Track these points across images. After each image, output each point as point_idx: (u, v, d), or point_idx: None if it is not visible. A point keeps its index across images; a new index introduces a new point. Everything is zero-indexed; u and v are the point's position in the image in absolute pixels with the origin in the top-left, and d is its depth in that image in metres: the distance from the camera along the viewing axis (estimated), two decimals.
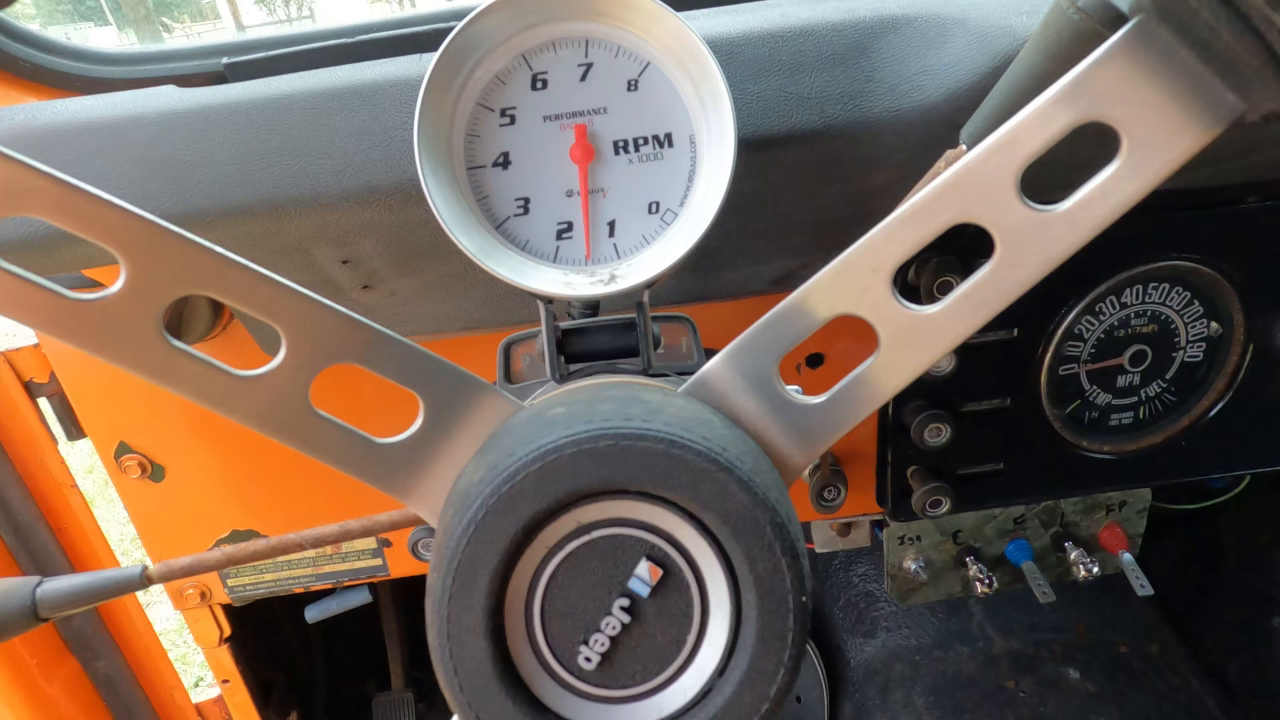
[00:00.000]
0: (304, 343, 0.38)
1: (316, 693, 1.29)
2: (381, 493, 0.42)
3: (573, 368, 0.52)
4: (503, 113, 0.50)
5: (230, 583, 0.97)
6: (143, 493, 0.90)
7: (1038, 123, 0.34)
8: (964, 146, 0.50)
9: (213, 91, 0.59)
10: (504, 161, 0.50)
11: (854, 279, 0.38)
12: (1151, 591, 0.99)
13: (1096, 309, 0.83)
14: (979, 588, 1.03)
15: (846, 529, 1.08)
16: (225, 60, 0.73)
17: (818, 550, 1.12)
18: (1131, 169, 0.34)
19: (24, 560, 0.93)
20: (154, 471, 0.89)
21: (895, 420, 0.87)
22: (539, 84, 0.49)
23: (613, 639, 0.37)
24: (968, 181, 0.36)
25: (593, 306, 0.56)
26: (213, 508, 0.92)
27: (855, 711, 1.36)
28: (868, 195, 0.65)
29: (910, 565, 1.05)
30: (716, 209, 0.47)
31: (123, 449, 0.87)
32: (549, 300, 0.50)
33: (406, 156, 0.58)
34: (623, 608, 0.37)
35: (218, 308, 0.81)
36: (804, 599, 0.36)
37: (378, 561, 0.97)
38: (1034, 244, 0.36)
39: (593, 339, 0.52)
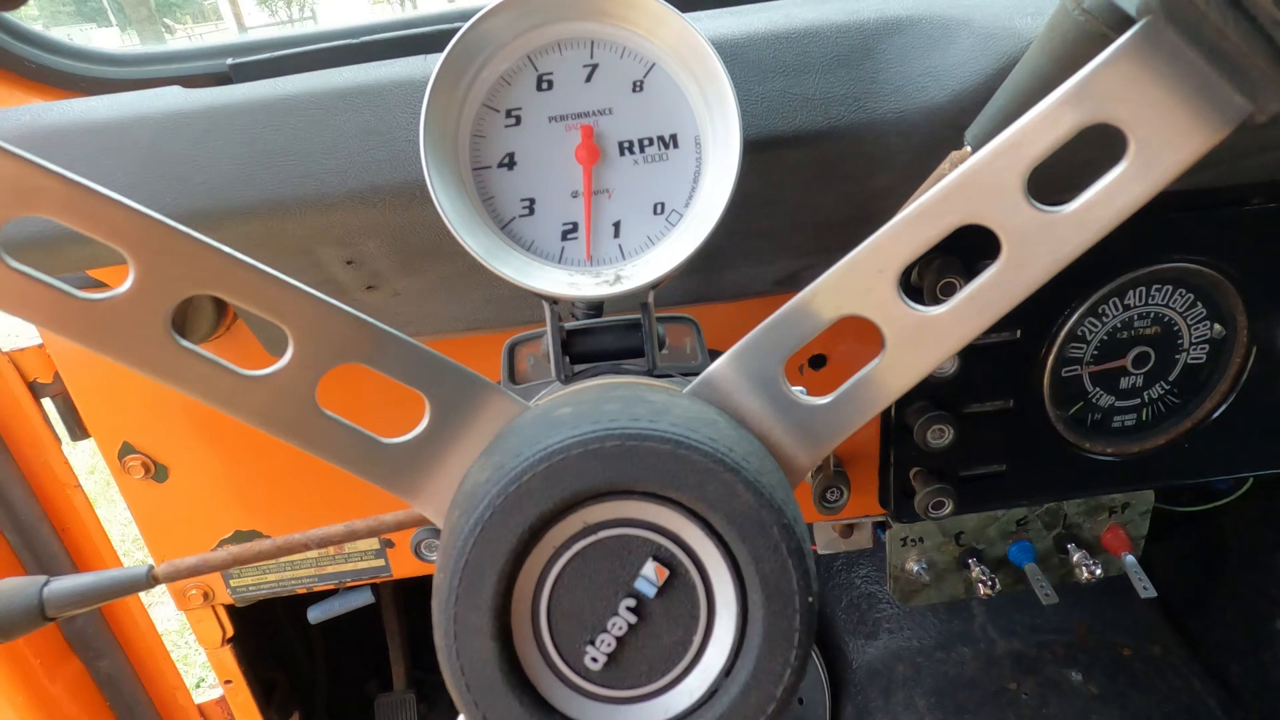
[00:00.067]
0: (311, 343, 0.38)
1: (318, 693, 1.29)
2: (385, 493, 0.42)
3: (577, 368, 0.52)
4: (508, 113, 0.50)
5: (233, 583, 0.97)
6: (146, 493, 0.90)
7: (1044, 124, 0.34)
8: (969, 148, 0.50)
9: (217, 92, 0.60)
10: (509, 162, 0.50)
11: (860, 280, 0.38)
12: (1154, 593, 0.99)
13: (1100, 311, 0.83)
14: (981, 589, 1.03)
15: (849, 530, 1.09)
16: (230, 61, 0.73)
17: (820, 552, 1.12)
18: (1138, 171, 0.34)
19: (27, 560, 0.93)
20: (157, 472, 0.89)
21: (898, 421, 0.87)
22: (544, 85, 0.49)
23: (619, 639, 0.38)
24: (974, 183, 0.36)
25: (597, 307, 0.56)
26: (216, 508, 0.92)
27: (857, 713, 1.36)
28: (872, 196, 0.65)
29: (913, 567, 1.05)
30: (722, 210, 0.48)
31: (126, 449, 0.87)
32: (554, 301, 0.50)
33: (411, 157, 0.58)
34: (629, 608, 0.37)
35: (221, 309, 0.81)
36: (810, 599, 0.36)
37: (380, 562, 0.97)
38: (1040, 245, 0.36)
39: (598, 339, 0.52)
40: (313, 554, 0.96)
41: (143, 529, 0.92)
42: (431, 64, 0.60)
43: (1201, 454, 0.90)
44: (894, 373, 0.40)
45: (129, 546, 2.65)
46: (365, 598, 1.07)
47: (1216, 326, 0.85)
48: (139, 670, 1.05)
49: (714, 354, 0.45)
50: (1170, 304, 0.84)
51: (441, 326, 0.79)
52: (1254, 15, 0.29)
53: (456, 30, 0.47)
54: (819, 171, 0.62)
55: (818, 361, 0.88)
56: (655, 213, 0.51)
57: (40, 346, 0.86)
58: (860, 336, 0.86)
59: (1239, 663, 1.31)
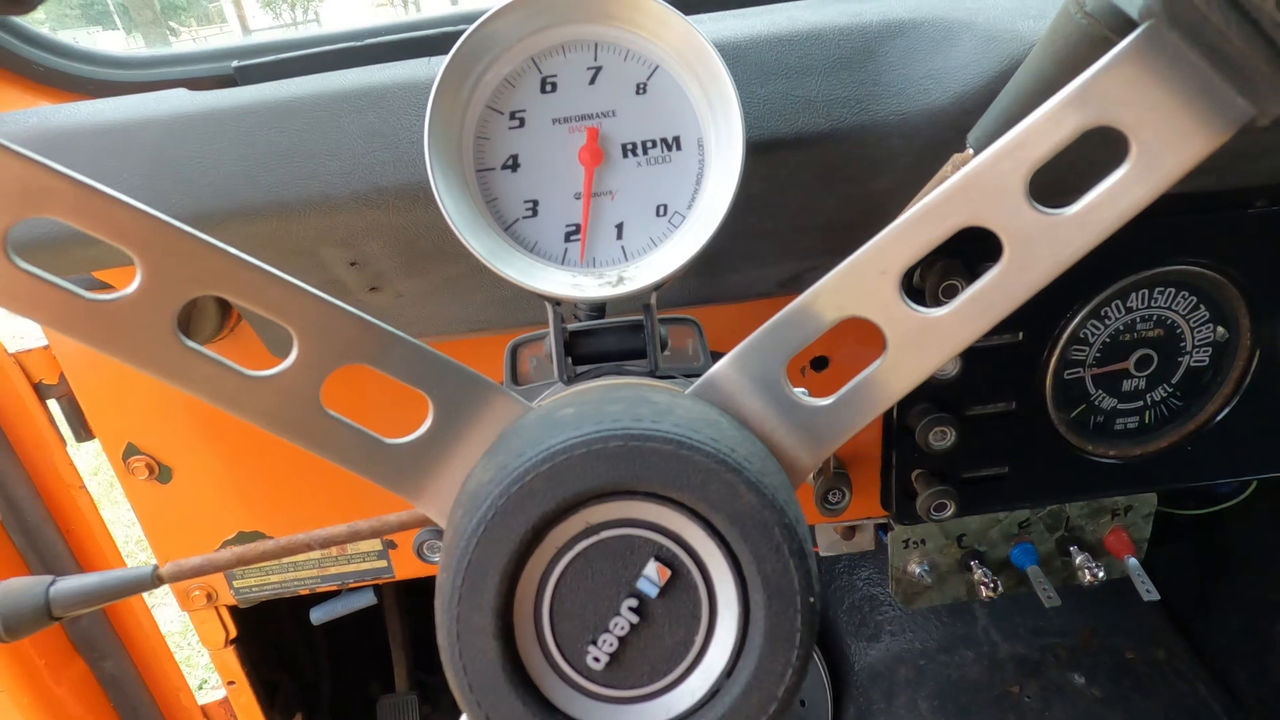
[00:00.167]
0: (315, 343, 0.38)
1: (321, 695, 1.30)
2: (388, 494, 0.42)
3: (580, 369, 0.52)
4: (512, 115, 0.50)
5: (236, 584, 0.97)
6: (150, 494, 0.90)
7: (1047, 126, 0.34)
8: (971, 150, 0.50)
9: (222, 94, 0.60)
10: (513, 164, 0.50)
11: (862, 281, 0.39)
12: (1158, 596, 0.99)
13: (1102, 313, 0.83)
14: (984, 592, 1.03)
15: (851, 532, 1.08)
16: (235, 63, 0.73)
17: (822, 553, 1.11)
18: (1140, 173, 0.34)
19: (32, 560, 0.93)
20: (161, 473, 0.89)
21: (900, 423, 0.87)
22: (548, 87, 0.50)
23: (621, 639, 0.38)
24: (977, 184, 0.36)
25: (599, 308, 0.57)
26: (219, 509, 0.92)
27: (859, 715, 1.35)
28: (874, 199, 0.65)
29: (915, 569, 1.05)
30: (724, 212, 0.48)
31: (130, 450, 0.88)
32: (557, 302, 0.51)
33: (414, 158, 0.58)
34: (631, 608, 0.37)
35: (225, 310, 0.81)
36: (812, 600, 0.36)
37: (383, 563, 0.97)
38: (1042, 247, 0.36)
39: (600, 341, 0.52)
40: (315, 555, 0.97)
41: (146, 530, 0.92)
42: (435, 66, 0.60)
43: (1204, 457, 0.90)
44: (896, 374, 0.40)
45: (132, 548, 2.65)
46: (368, 599, 1.07)
47: (1219, 329, 0.85)
48: (143, 671, 1.06)
49: (716, 355, 0.45)
50: (1173, 307, 0.83)
51: (444, 328, 0.80)
52: (1256, 18, 0.29)
53: (460, 33, 0.47)
54: (821, 174, 0.62)
55: (820, 363, 0.89)
56: (658, 214, 0.51)
57: (46, 348, 0.86)
58: (862, 339, 0.86)
59: (1243, 667, 1.30)
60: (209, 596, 0.97)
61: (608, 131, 0.50)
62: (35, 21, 0.76)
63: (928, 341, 0.39)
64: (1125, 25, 0.35)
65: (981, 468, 0.88)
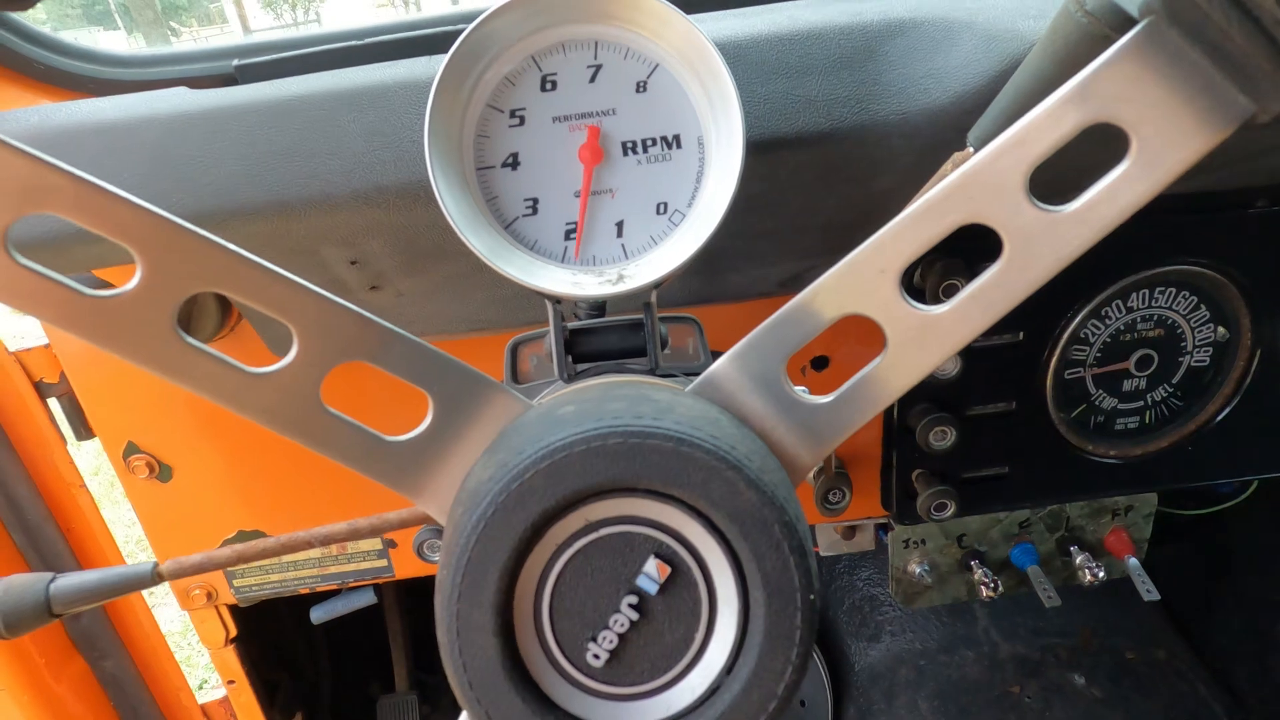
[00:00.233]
0: (316, 340, 0.38)
1: (321, 694, 1.30)
2: (387, 493, 0.42)
3: (580, 368, 0.52)
4: (512, 114, 0.50)
5: (236, 583, 0.97)
6: (150, 493, 0.90)
7: (1047, 123, 0.35)
8: (971, 149, 0.50)
9: (223, 93, 0.60)
10: (513, 162, 0.50)
11: (862, 279, 0.39)
12: (1158, 597, 0.99)
13: (1103, 313, 0.83)
14: (984, 592, 1.03)
15: (851, 532, 1.08)
16: (235, 62, 0.73)
17: (822, 553, 1.11)
18: (1141, 170, 0.34)
19: (33, 559, 0.93)
20: (161, 471, 0.89)
21: (900, 423, 0.87)
22: (548, 85, 0.50)
23: (621, 636, 0.38)
24: (977, 182, 0.36)
25: (599, 307, 0.57)
26: (219, 508, 0.92)
27: (859, 715, 1.35)
28: (874, 198, 0.65)
29: (915, 569, 1.05)
30: (724, 210, 0.48)
31: (131, 449, 0.88)
32: (557, 300, 0.51)
33: (415, 157, 0.58)
34: (631, 605, 0.37)
35: (225, 309, 0.81)
36: (812, 597, 0.36)
37: (383, 563, 0.97)
38: (1043, 245, 0.36)
39: (601, 339, 0.52)
40: (315, 554, 0.97)
41: (147, 529, 0.92)
42: (435, 65, 0.60)
43: (1205, 457, 0.90)
44: (896, 372, 0.40)
45: (132, 548, 2.65)
46: (368, 598, 1.07)
47: (1220, 329, 0.85)
48: (143, 670, 1.06)
49: (716, 354, 0.45)
50: (1173, 306, 0.83)
51: (445, 327, 0.80)
52: (1256, 15, 0.29)
53: (460, 32, 0.47)
54: (822, 173, 0.62)
55: (820, 363, 0.89)
56: (658, 213, 0.51)
57: (46, 346, 0.86)
58: (862, 338, 0.86)
59: (1244, 667, 1.30)
60: (209, 595, 0.97)
61: (608, 130, 0.50)
62: (36, 20, 0.76)
63: (928, 339, 0.39)
64: (1125, 23, 0.35)
65: (982, 468, 0.88)
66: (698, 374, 0.42)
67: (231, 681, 1.06)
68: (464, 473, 0.40)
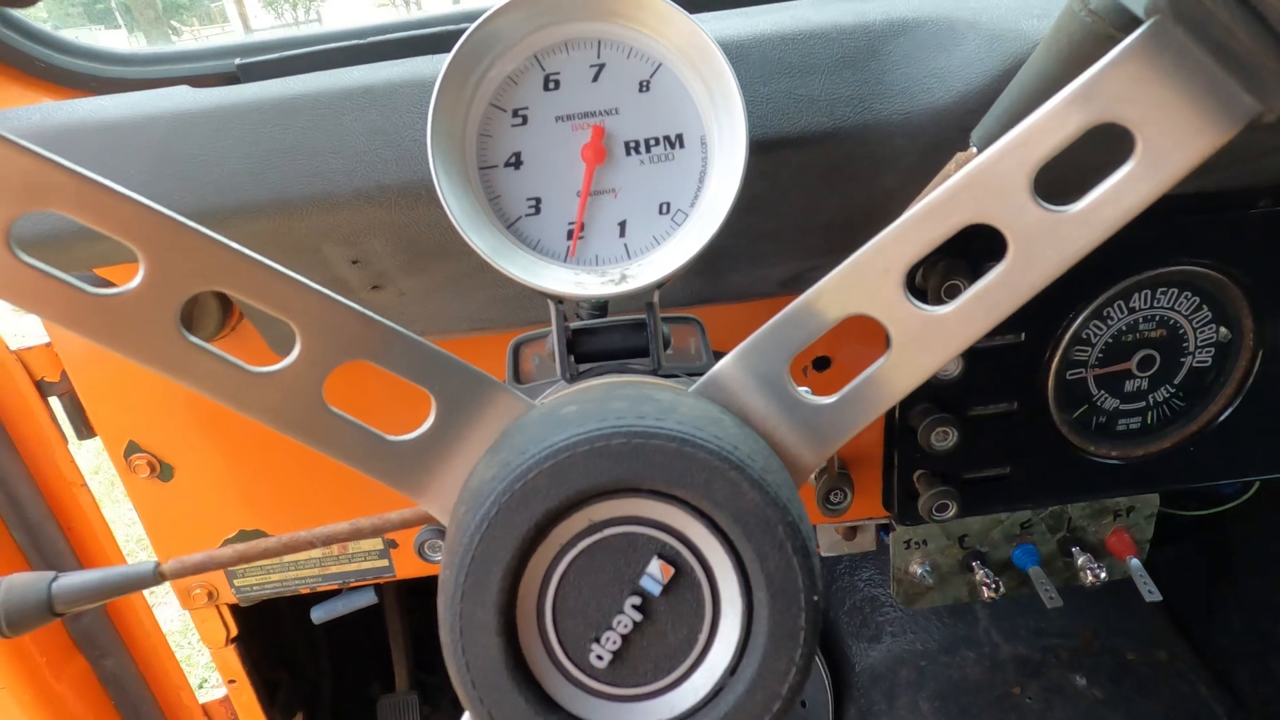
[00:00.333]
0: (318, 339, 0.38)
1: (322, 694, 1.30)
2: (389, 492, 0.42)
3: (582, 368, 0.52)
4: (515, 113, 0.50)
5: (237, 583, 0.97)
6: (151, 492, 0.90)
7: (1052, 123, 0.34)
8: (974, 149, 0.50)
9: (225, 92, 0.60)
10: (516, 161, 0.50)
11: (866, 279, 0.38)
12: (1160, 597, 0.99)
13: (1105, 313, 0.83)
14: (985, 592, 1.03)
15: (852, 533, 1.08)
16: (238, 61, 0.73)
17: (823, 554, 1.11)
18: (1145, 170, 0.34)
19: (34, 558, 0.93)
20: (162, 471, 0.89)
21: (902, 424, 0.87)
22: (551, 84, 0.50)
23: (624, 637, 0.38)
24: (981, 182, 0.36)
25: (601, 307, 0.56)
26: (220, 507, 0.92)
27: (860, 716, 1.35)
28: (877, 198, 0.65)
29: (916, 569, 1.05)
30: (727, 210, 0.48)
31: (132, 448, 0.88)
32: (560, 300, 0.50)
33: (417, 156, 0.58)
34: (634, 606, 0.37)
35: (226, 308, 0.81)
36: (815, 598, 0.36)
37: (384, 563, 0.97)
38: (1047, 245, 0.36)
39: (603, 339, 0.52)
40: (316, 554, 0.97)
41: (148, 528, 0.92)
42: (438, 64, 0.60)
43: (1207, 458, 0.90)
44: (900, 372, 0.40)
45: (132, 547, 2.65)
46: (369, 598, 1.07)
47: (1222, 330, 0.85)
48: (144, 670, 1.06)
49: (718, 355, 0.45)
50: (1175, 307, 0.83)
51: (446, 326, 0.79)
52: (1263, 14, 0.29)
53: (462, 31, 0.47)
54: (824, 173, 0.62)
55: (822, 363, 0.88)
56: (661, 212, 0.51)
57: (48, 345, 0.86)
58: (865, 339, 0.86)
59: (1245, 668, 1.30)
60: (210, 595, 0.97)
61: (611, 129, 0.50)
62: (38, 19, 0.76)
63: (932, 340, 0.39)
64: (1130, 22, 0.35)
65: (983, 468, 0.88)
66: (700, 374, 0.42)
67: (232, 681, 1.06)
68: (467, 472, 0.40)
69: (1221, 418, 0.88)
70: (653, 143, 0.50)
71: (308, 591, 1.00)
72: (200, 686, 2.11)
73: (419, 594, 1.37)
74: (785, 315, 0.40)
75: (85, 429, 0.88)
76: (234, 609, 1.02)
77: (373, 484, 0.42)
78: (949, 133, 0.57)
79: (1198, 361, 0.86)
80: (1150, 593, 0.99)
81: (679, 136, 0.50)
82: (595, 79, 0.50)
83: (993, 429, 0.86)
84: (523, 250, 0.51)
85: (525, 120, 0.50)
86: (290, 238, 0.61)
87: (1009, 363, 0.83)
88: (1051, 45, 0.41)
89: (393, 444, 0.40)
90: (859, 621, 1.44)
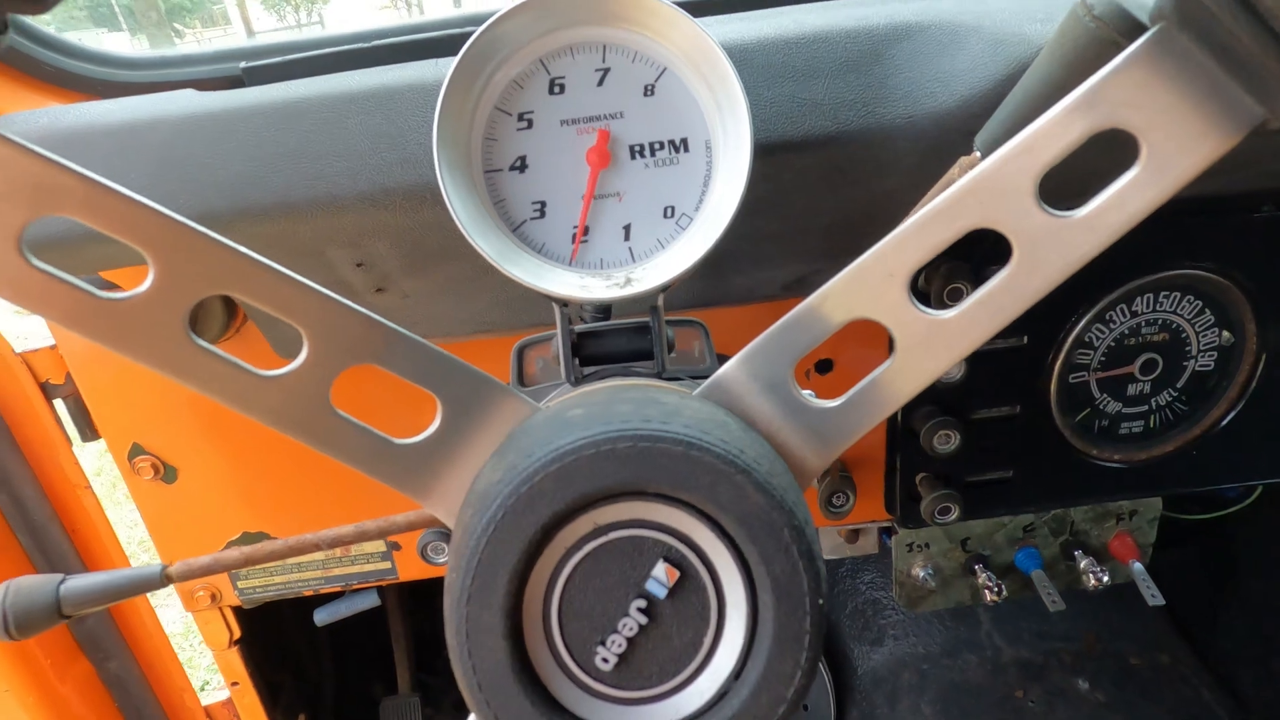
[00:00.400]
0: (325, 343, 0.38)
1: (324, 696, 1.30)
2: (392, 494, 0.42)
3: (587, 371, 0.52)
4: (520, 117, 0.50)
5: (240, 585, 0.97)
6: (155, 494, 0.90)
7: (1057, 129, 0.35)
8: (978, 153, 0.50)
9: (230, 95, 0.60)
10: (521, 165, 0.51)
11: (871, 283, 0.39)
12: (1162, 601, 0.99)
13: (1107, 317, 0.83)
14: (988, 596, 1.03)
15: (854, 536, 1.08)
16: (242, 65, 0.73)
17: (825, 557, 1.11)
18: (1150, 175, 0.34)
19: (38, 560, 0.93)
20: (166, 473, 0.89)
21: (905, 427, 0.87)
22: (556, 88, 0.50)
23: (630, 640, 0.38)
24: (986, 187, 0.36)
25: (605, 310, 0.57)
26: (224, 510, 0.92)
27: (862, 719, 1.35)
28: (880, 201, 0.65)
29: (918, 572, 1.05)
30: (732, 213, 0.48)
31: (136, 450, 0.88)
32: (564, 303, 0.51)
33: (421, 159, 0.58)
34: (640, 609, 0.37)
35: (231, 311, 0.81)
36: (820, 601, 0.36)
37: (387, 565, 0.97)
38: (1052, 250, 0.36)
39: (608, 342, 0.52)
40: (319, 556, 0.97)
41: (151, 530, 0.92)
42: (441, 68, 0.60)
43: (1210, 462, 0.90)
44: (904, 376, 0.40)
45: (134, 549, 2.65)
46: (371, 600, 1.07)
47: (1225, 334, 0.85)
48: (147, 672, 1.06)
49: (722, 358, 0.45)
50: (1178, 311, 0.83)
51: (450, 329, 0.80)
52: (1267, 20, 0.29)
53: (465, 35, 0.47)
54: (828, 176, 0.62)
55: (824, 366, 0.89)
56: (665, 216, 0.51)
57: (53, 347, 0.86)
58: (867, 341, 0.86)
59: (1248, 671, 1.30)
60: (213, 597, 0.97)
61: (616, 133, 0.50)
62: (42, 22, 0.76)
63: (936, 343, 0.39)
64: (1134, 29, 0.35)
65: (986, 471, 0.88)
66: (704, 378, 0.42)
67: (235, 683, 1.06)
68: (472, 475, 0.40)
69: (1224, 421, 0.88)
70: (657, 146, 0.50)
71: (310, 594, 1.00)
72: (203, 689, 2.11)
73: (421, 596, 1.37)
74: (790, 319, 0.40)
75: (89, 431, 0.88)
76: (237, 611, 1.02)
77: (375, 486, 0.42)
78: (952, 136, 0.57)
79: (1200, 365, 0.86)
80: (1153, 596, 0.99)
81: (684, 140, 0.50)
82: (600, 83, 0.50)
83: (995, 432, 0.86)
84: (527, 253, 0.51)
85: (530, 124, 0.50)
86: (294, 240, 0.61)
87: (1012, 366, 0.83)
88: (1056, 50, 0.41)
89: (399, 447, 0.40)
90: (861, 624, 1.44)
